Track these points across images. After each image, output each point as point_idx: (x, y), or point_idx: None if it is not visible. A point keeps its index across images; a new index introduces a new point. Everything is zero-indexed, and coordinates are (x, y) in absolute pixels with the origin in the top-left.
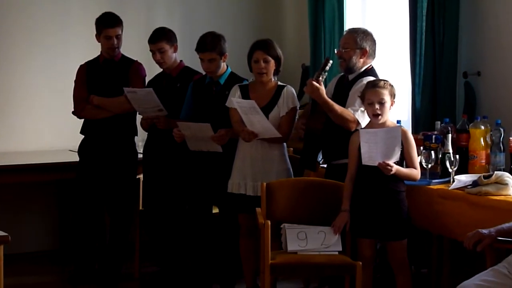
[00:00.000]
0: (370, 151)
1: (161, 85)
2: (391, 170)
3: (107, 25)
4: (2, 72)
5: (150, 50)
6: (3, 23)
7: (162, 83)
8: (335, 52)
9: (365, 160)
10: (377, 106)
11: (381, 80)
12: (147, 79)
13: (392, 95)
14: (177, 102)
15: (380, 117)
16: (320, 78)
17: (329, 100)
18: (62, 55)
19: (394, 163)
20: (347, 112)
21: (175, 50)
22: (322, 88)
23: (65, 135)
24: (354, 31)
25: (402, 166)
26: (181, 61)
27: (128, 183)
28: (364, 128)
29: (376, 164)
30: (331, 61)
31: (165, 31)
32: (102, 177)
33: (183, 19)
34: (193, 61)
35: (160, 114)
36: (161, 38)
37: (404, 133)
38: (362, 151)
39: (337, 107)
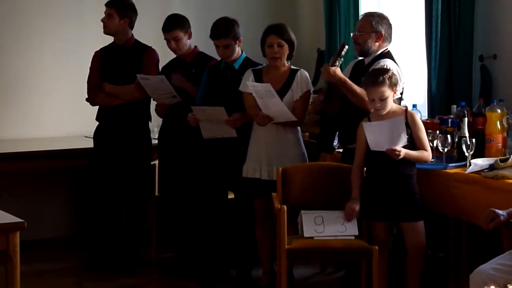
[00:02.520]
0: (377, 139)
1: (176, 71)
2: (399, 155)
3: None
4: (19, 59)
5: (165, 39)
6: (20, 10)
7: (177, 69)
8: (351, 36)
9: (373, 147)
10: (378, 103)
11: (380, 75)
12: (161, 65)
13: (393, 86)
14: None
15: (382, 110)
16: (336, 63)
17: (348, 80)
18: (78, 41)
19: (403, 147)
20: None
21: (190, 37)
22: (338, 70)
23: (82, 121)
24: (370, 15)
25: (413, 150)
26: (195, 46)
27: (142, 170)
28: (370, 116)
29: (384, 149)
30: (347, 46)
31: (178, 17)
32: (116, 163)
33: (198, 4)
34: (208, 46)
35: (174, 100)
36: (175, 26)
37: (411, 116)
38: (368, 140)
39: (356, 87)
